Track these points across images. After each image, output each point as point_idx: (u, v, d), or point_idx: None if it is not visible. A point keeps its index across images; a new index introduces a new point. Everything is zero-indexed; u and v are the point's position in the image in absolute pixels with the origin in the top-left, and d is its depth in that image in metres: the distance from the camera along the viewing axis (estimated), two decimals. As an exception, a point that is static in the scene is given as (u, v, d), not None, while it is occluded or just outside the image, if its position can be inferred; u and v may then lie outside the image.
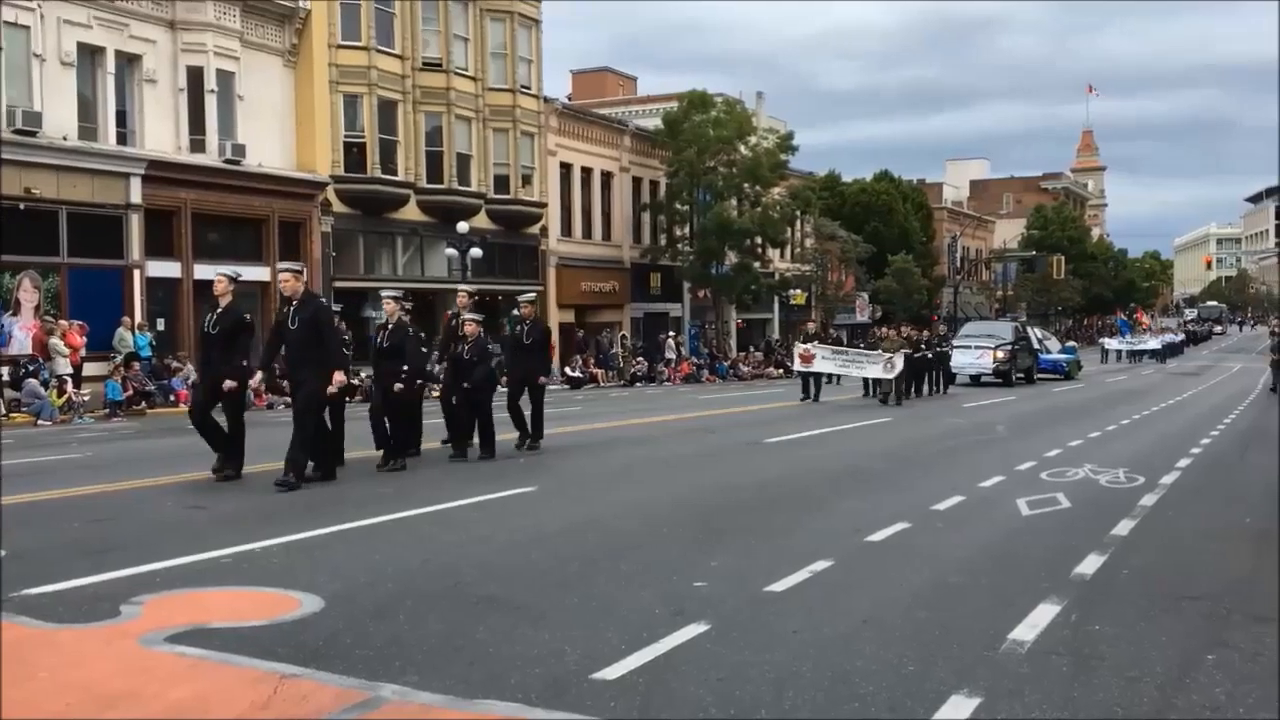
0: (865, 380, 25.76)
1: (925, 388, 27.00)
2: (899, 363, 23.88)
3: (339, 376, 10.46)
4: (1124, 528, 8.49)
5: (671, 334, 41.27)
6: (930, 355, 27.22)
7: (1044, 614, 5.81)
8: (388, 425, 11.92)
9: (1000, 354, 31.78)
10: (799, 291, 52.32)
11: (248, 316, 11.20)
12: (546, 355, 14.78)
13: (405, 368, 11.91)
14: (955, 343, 32.73)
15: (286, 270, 10.90)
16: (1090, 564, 7.10)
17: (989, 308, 77.58)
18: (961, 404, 24.00)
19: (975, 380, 31.79)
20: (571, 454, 13.82)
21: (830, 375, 27.15)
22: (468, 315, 13.15)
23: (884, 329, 28.98)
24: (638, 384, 35.46)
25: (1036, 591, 6.29)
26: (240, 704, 4.34)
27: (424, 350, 13.18)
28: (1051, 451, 13.80)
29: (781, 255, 51.48)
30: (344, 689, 4.52)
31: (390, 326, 12.04)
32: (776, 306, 52.23)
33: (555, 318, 37.97)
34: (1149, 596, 6.29)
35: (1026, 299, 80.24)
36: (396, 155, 31.38)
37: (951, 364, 30.63)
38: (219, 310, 10.81)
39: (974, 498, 9.95)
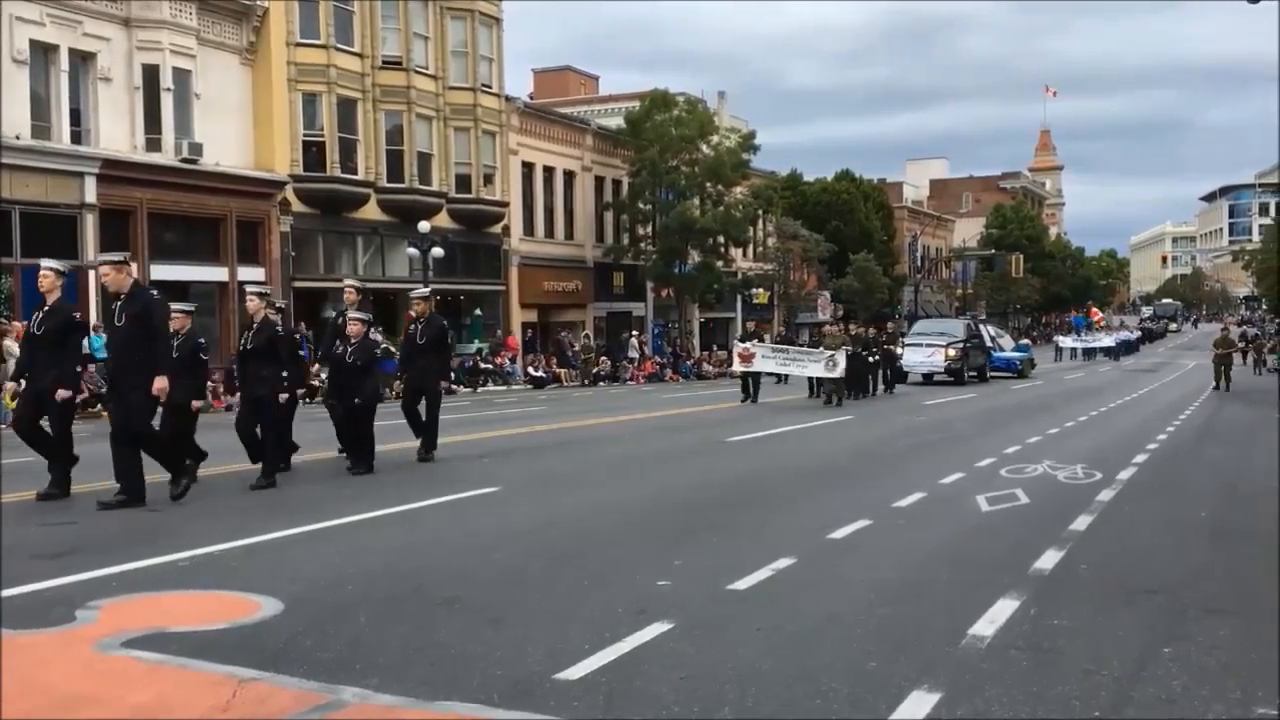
0: (810, 380, 25.05)
1: (871, 387, 26.31)
2: (841, 361, 23.08)
3: (160, 383, 9.06)
4: (1082, 523, 8.60)
5: (635, 333, 41.30)
6: (875, 355, 26.59)
7: (1004, 609, 5.87)
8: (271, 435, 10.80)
9: (952, 352, 31.62)
10: (761, 290, 52.51)
11: (78, 315, 10.00)
12: (444, 357, 13.47)
13: (286, 374, 10.72)
14: (906, 340, 32.77)
15: (107, 263, 9.43)
16: (1049, 559, 7.18)
17: (949, 306, 78.29)
18: (921, 401, 24.18)
19: (928, 379, 31.71)
20: (535, 454, 13.79)
21: (779, 375, 27.01)
22: (353, 314, 11.86)
23: (828, 326, 28.32)
24: (601, 383, 35.45)
25: (996, 587, 6.35)
26: (199, 707, 4.29)
27: (301, 353, 12.18)
28: (1010, 448, 13.94)
29: (744, 254, 51.64)
30: (304, 692, 4.48)
31: (255, 326, 10.78)
32: (739, 305, 52.39)
33: (518, 317, 37.92)
34: (1107, 591, 6.37)
35: (985, 297, 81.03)
36: (356, 154, 31.18)
37: (902, 362, 30.49)
38: (45, 309, 9.53)
39: (935, 495, 10.03)
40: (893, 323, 33.67)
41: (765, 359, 24.36)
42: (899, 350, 30.75)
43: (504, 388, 32.59)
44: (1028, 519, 8.84)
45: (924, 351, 31.71)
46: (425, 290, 13.66)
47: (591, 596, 6.13)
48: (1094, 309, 70.03)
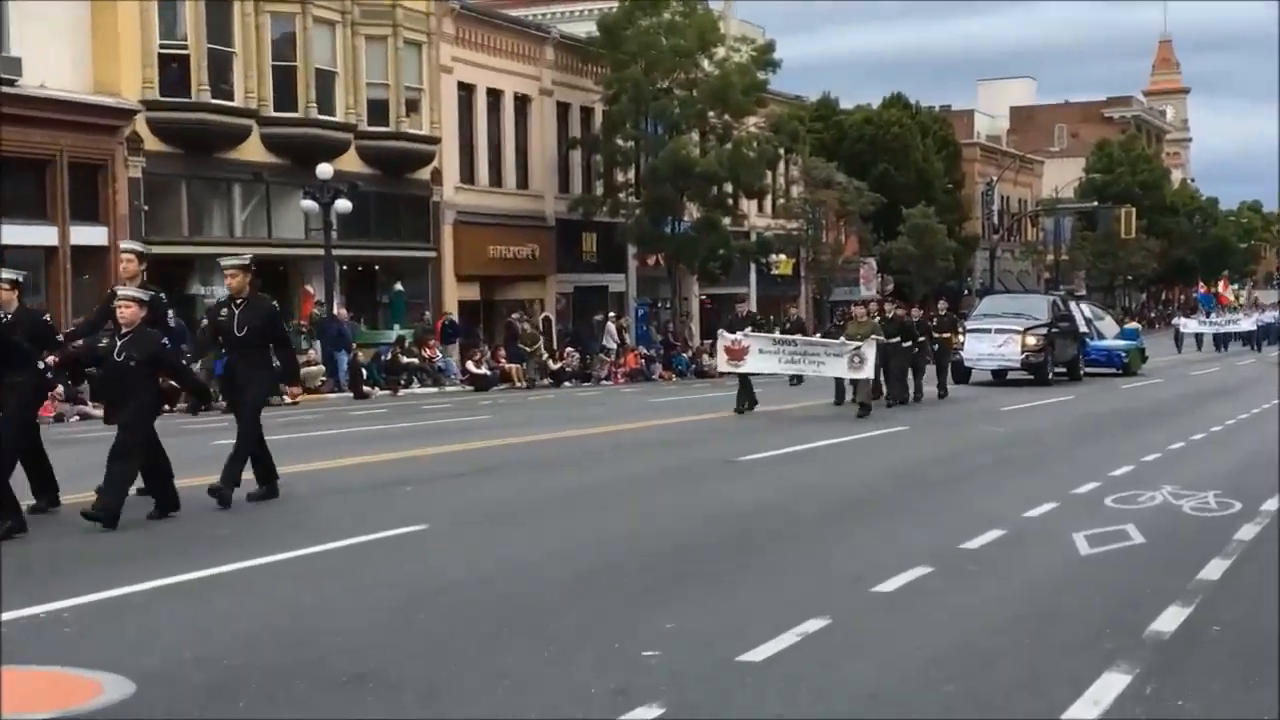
0: (837, 381, 23.99)
1: (912, 389, 25.67)
2: (870, 355, 21.99)
3: None
4: (1215, 570, 8.63)
5: (612, 315, 41.28)
6: (917, 345, 25.78)
7: (1110, 686, 5.88)
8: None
9: (1031, 340, 31.03)
10: (784, 257, 52.58)
11: None
12: (272, 354, 12.34)
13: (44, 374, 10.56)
14: (969, 325, 32.49)
15: None
16: (1170, 618, 7.21)
17: (1036, 278, 78.70)
18: (997, 406, 24.28)
19: (998, 377, 31.58)
20: (475, 480, 13.75)
21: (792, 377, 26.51)
22: (126, 293, 11.09)
23: (854, 306, 27.28)
24: (567, 383, 35.45)
25: (1100, 655, 6.36)
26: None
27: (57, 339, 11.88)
28: (1120, 469, 13.99)
29: (760, 209, 51.62)
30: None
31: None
32: (754, 278, 52.42)
33: (454, 294, 37.85)
34: (1247, 660, 6.39)
35: (1086, 265, 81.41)
36: (232, 72, 31.01)
37: (963, 354, 30.50)
38: None
39: (1016, 532, 10.07)
40: (945, 301, 32.84)
41: (763, 355, 23.16)
42: (958, 339, 30.64)
43: (435, 389, 32.48)
44: (1142, 564, 8.87)
45: (992, 340, 31.28)
46: (243, 258, 12.48)
47: (554, 671, 6.12)
48: (1225, 282, 70.33)
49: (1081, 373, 33.98)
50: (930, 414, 23.06)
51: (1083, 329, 36.18)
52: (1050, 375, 31.50)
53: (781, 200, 53.24)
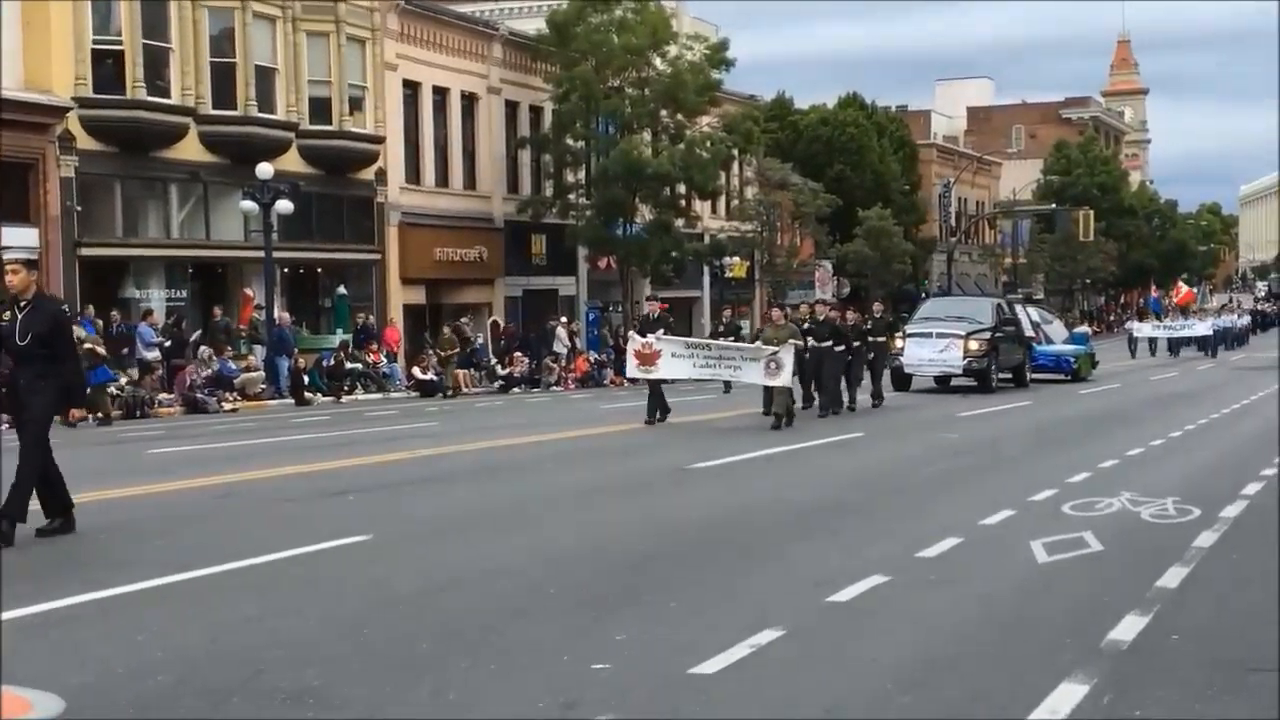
0: (766, 389, 22.16)
1: (846, 396, 24.64)
2: (787, 361, 21.04)
3: None
4: (1173, 578, 8.70)
5: (563, 320, 41.26)
6: (849, 349, 24.58)
7: (1067, 696, 5.92)
8: None
9: (974, 345, 30.29)
10: (738, 260, 52.68)
11: None
12: (64, 368, 10.63)
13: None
14: (909, 329, 31.68)
15: None
16: (1129, 627, 7.27)
17: (994, 280, 79.24)
18: (954, 412, 24.41)
19: (943, 383, 31.20)
20: (421, 489, 13.72)
21: (726, 383, 25.79)
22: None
23: (774, 309, 24.98)
24: (515, 390, 35.40)
25: (1057, 665, 6.41)
26: None
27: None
28: (1078, 475, 14.09)
29: (713, 210, 51.73)
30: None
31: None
32: (707, 280, 52.60)
33: (398, 297, 37.73)
34: (1206, 669, 6.45)
35: (1045, 268, 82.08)
36: (169, 68, 30.82)
37: (903, 359, 30.06)
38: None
39: (974, 539, 10.13)
40: (880, 303, 31.79)
41: (677, 360, 22.02)
42: (897, 342, 30.20)
43: (379, 396, 32.42)
44: (1100, 572, 8.94)
45: (934, 345, 30.53)
46: (23, 254, 11.63)
47: (499, 686, 6.10)
48: (1180, 284, 70.84)
49: (1028, 379, 33.46)
50: (887, 420, 23.15)
51: (1029, 333, 35.36)
52: (995, 382, 30.88)
53: (735, 202, 53.38)
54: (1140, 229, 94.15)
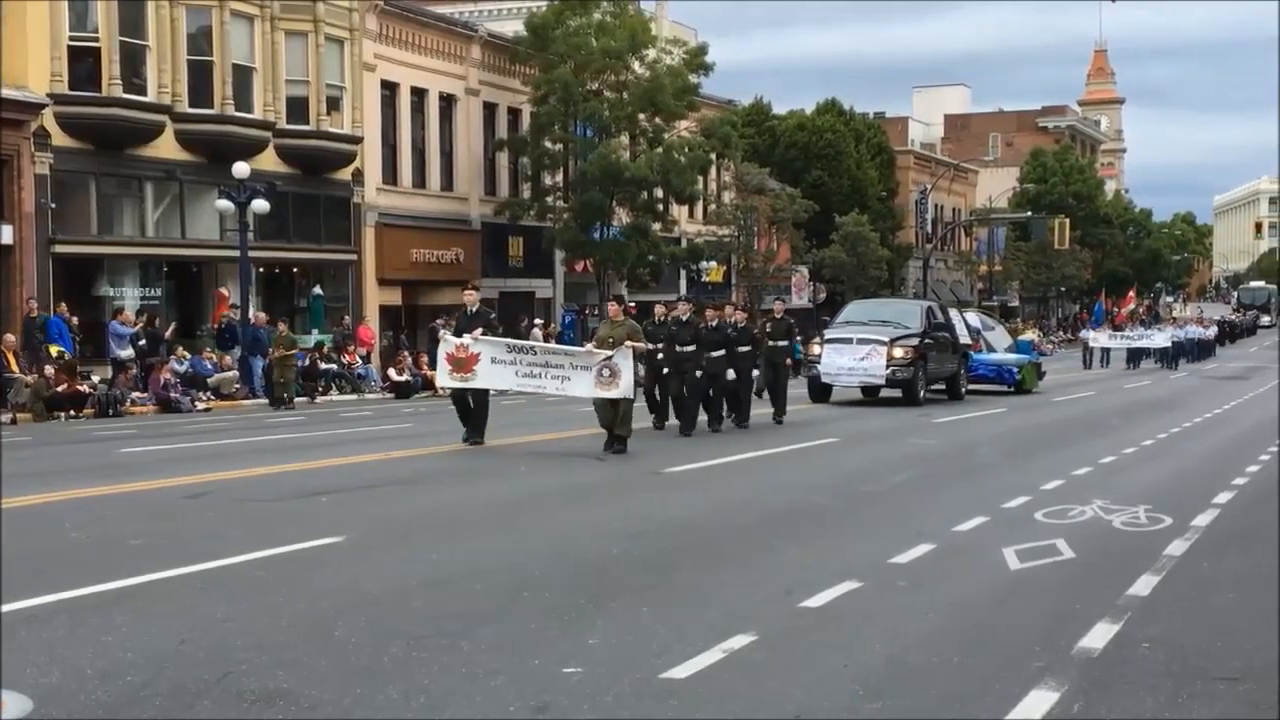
0: (599, 403, 18.00)
1: (741, 409, 21.84)
2: (625, 367, 17.47)
3: None
4: (1144, 585, 8.75)
5: (539, 322, 41.26)
6: (734, 356, 21.33)
7: (1038, 703, 5.95)
8: None
9: (898, 352, 27.32)
10: (714, 264, 52.74)
11: None
12: None
13: None
14: (828, 335, 29.06)
15: None
16: (1099, 635, 7.31)
17: (970, 288, 79.49)
18: (930, 419, 24.46)
19: (871, 394, 28.48)
20: (394, 491, 13.67)
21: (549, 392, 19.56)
22: None
23: (610, 303, 19.80)
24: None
25: (1028, 673, 6.44)
26: None
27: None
28: (1050, 483, 14.14)
29: (691, 214, 51.75)
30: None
31: None
32: (684, 284, 52.56)
33: (375, 298, 37.66)
34: (1176, 676, 6.48)
35: (1021, 276, 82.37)
36: (146, 66, 30.69)
37: (820, 368, 27.82)
38: None
39: (946, 546, 10.15)
40: (780, 302, 27.84)
41: (496, 366, 18.24)
42: (815, 349, 28.28)
43: (355, 396, 32.32)
44: (1072, 580, 8.97)
45: (854, 352, 27.47)
46: None
47: (471, 688, 6.09)
48: (1131, 295, 70.77)
49: (964, 390, 30.82)
50: (860, 426, 23.15)
51: (965, 340, 32.57)
52: (922, 393, 27.87)
53: (713, 206, 53.41)
54: (1115, 237, 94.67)
